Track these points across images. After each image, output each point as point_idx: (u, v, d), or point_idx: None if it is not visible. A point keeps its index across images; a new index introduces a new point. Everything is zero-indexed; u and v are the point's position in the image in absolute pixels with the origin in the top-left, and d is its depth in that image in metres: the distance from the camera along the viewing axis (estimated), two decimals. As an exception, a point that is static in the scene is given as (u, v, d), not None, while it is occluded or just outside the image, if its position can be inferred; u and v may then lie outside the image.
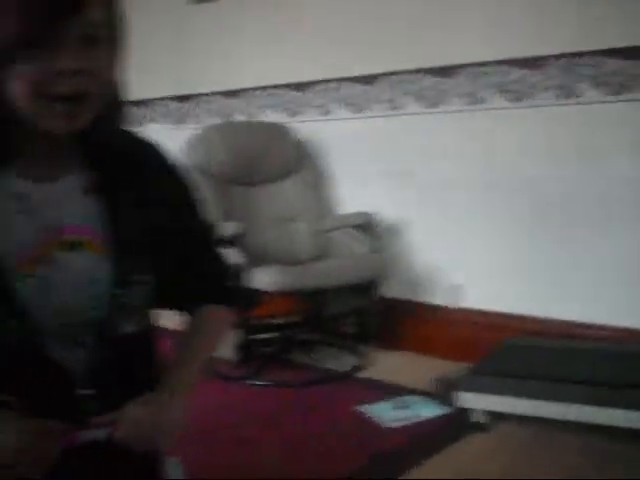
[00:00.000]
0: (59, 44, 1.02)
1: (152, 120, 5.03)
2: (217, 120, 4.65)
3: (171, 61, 4.84)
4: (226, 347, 3.46)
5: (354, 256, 3.78)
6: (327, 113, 4.17)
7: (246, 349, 3.51)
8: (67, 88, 1.04)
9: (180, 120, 4.90)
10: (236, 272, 3.18)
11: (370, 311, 3.70)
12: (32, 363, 1.11)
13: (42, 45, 1.01)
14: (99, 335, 1.17)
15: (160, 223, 1.25)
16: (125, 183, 1.22)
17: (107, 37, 1.09)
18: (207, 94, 4.73)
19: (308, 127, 4.21)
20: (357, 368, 3.57)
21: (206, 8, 4.63)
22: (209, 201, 3.63)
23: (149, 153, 1.30)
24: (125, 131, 1.27)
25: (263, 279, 3.31)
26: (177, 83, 4.88)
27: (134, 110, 4.96)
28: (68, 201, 1.17)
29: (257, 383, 3.41)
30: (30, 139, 1.13)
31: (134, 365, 1.23)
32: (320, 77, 4.16)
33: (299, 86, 4.27)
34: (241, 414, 3.04)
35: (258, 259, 3.47)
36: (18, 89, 1.03)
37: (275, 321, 3.77)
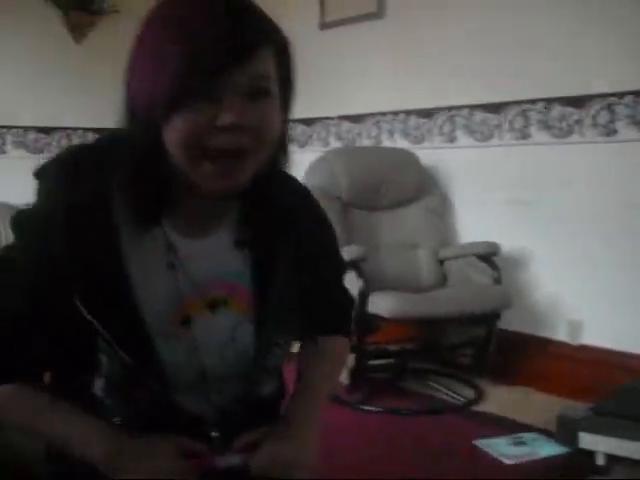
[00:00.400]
0: (222, 96, 0.96)
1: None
2: (342, 144, 4.69)
3: (299, 84, 4.90)
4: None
5: (475, 286, 3.72)
6: (452, 140, 4.14)
7: (360, 374, 3.49)
8: (224, 143, 0.96)
9: (305, 143, 4.96)
10: (356, 298, 3.19)
11: (488, 343, 3.62)
12: (163, 412, 1.08)
13: (204, 96, 0.95)
14: (235, 396, 1.14)
15: (310, 277, 1.21)
16: (279, 237, 1.16)
17: (275, 89, 1.02)
18: (333, 118, 4.78)
19: (433, 154, 4.19)
20: (472, 401, 3.51)
21: (337, 33, 4.69)
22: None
23: (302, 203, 1.24)
24: (280, 179, 1.18)
25: (381, 305, 3.30)
26: (304, 106, 4.93)
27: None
28: (217, 256, 1.12)
29: (369, 409, 3.39)
30: (187, 194, 1.06)
31: (266, 412, 1.20)
32: (446, 104, 4.14)
33: (425, 112, 4.26)
34: (352, 439, 3.03)
35: (377, 284, 3.46)
36: (173, 141, 0.97)
37: (390, 347, 3.75)
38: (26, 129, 5.12)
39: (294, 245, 1.17)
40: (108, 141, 1.09)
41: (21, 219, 1.07)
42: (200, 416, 1.11)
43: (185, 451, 1.04)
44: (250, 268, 1.14)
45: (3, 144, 5.06)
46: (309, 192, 1.29)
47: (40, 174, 1.07)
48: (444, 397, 3.57)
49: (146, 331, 1.04)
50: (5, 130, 5.06)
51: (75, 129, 5.28)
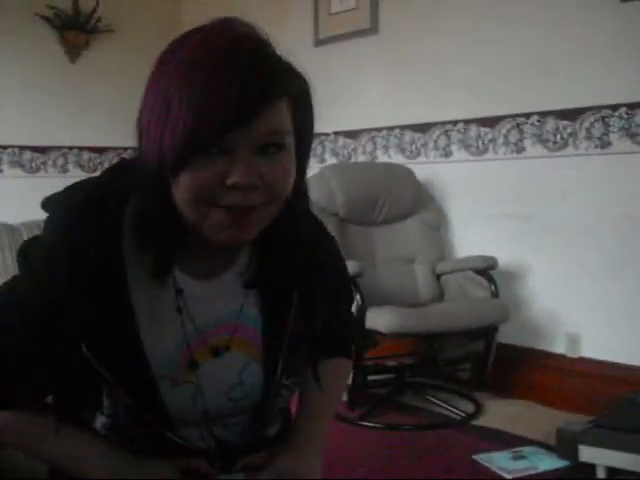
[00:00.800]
0: (233, 150, 0.92)
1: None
2: (337, 160, 4.71)
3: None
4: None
5: (472, 300, 3.71)
6: (448, 155, 4.15)
7: (359, 390, 3.49)
8: (234, 200, 0.93)
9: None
10: (355, 315, 3.18)
11: (486, 357, 3.62)
12: (165, 447, 1.06)
13: (213, 152, 0.92)
14: (241, 434, 1.13)
15: (320, 314, 1.18)
16: (290, 277, 1.12)
17: (289, 141, 0.97)
18: (328, 134, 4.79)
19: (428, 168, 4.20)
20: (471, 415, 3.49)
21: (331, 49, 4.71)
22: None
23: (317, 238, 1.19)
24: (296, 219, 1.11)
25: (379, 321, 3.29)
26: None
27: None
28: (225, 297, 1.09)
29: (369, 424, 3.38)
30: (197, 240, 1.02)
31: (269, 442, 1.19)
32: (441, 119, 4.15)
33: (420, 127, 4.27)
34: (352, 455, 3.02)
35: (374, 300, 3.46)
36: (182, 196, 0.94)
37: (389, 363, 3.75)
38: (22, 148, 5.12)
39: (307, 282, 1.14)
40: (117, 174, 1.06)
41: (27, 251, 1.03)
42: (204, 449, 1.10)
43: (187, 469, 1.05)
44: (260, 310, 1.12)
45: (-1, 164, 5.07)
46: (323, 226, 1.25)
47: (48, 206, 1.04)
48: (443, 412, 3.55)
49: (151, 376, 1.01)
50: (1, 150, 5.07)
51: (71, 148, 5.28)
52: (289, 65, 0.98)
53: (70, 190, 1.05)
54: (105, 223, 0.99)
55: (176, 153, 0.91)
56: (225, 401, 1.09)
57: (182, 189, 0.93)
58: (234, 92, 0.89)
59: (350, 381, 3.40)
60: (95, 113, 5.26)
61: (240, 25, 0.97)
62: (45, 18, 5.13)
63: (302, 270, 1.11)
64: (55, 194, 1.05)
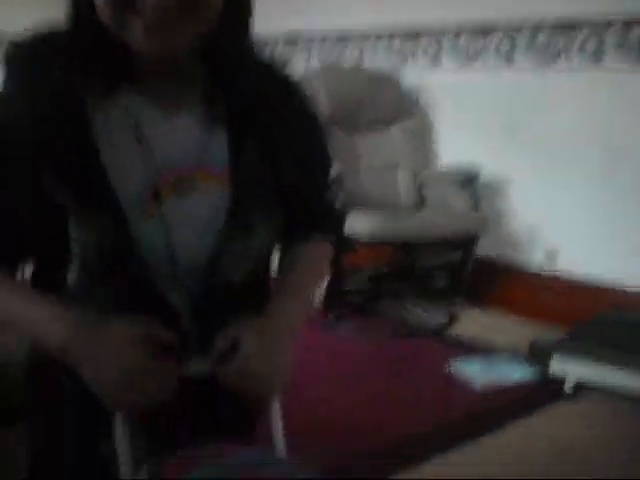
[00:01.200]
0: None
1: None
2: (324, 63, 4.59)
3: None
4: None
5: (452, 210, 3.69)
6: (436, 63, 4.05)
7: (334, 296, 3.48)
8: (147, 4, 0.88)
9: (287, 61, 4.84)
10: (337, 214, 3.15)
11: (463, 268, 3.62)
12: (138, 300, 1.01)
13: None
14: (204, 280, 1.06)
15: (285, 155, 1.11)
16: (251, 113, 1.07)
17: None
18: (315, 33, 4.65)
19: (415, 76, 4.11)
20: (446, 324, 3.52)
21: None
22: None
23: (277, 78, 1.15)
24: (250, 52, 1.10)
25: (359, 225, 3.27)
26: (285, 19, 4.81)
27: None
28: (186, 137, 1.05)
29: (342, 331, 3.39)
30: (145, 72, 1.00)
31: (242, 310, 1.06)
32: (432, 25, 4.04)
33: (410, 34, 4.16)
34: (323, 360, 3.03)
35: (355, 205, 3.42)
36: (98, 4, 0.91)
37: (366, 271, 3.74)
38: None
39: (272, 129, 1.09)
40: (48, 30, 1.03)
41: None
42: (174, 306, 1.04)
43: (153, 338, 0.95)
44: (223, 146, 1.06)
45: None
46: (294, 80, 1.18)
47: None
48: (418, 321, 3.57)
49: (118, 205, 0.98)
50: None
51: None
52: None
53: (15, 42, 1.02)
54: (52, 64, 0.98)
55: None
56: (191, 240, 1.04)
57: None
58: None
59: (326, 286, 3.39)
60: None
61: None
62: None
63: (262, 115, 1.08)
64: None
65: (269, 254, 1.16)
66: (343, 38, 4.51)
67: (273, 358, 1.00)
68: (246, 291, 1.10)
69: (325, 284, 3.38)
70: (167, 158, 1.02)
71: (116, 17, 0.90)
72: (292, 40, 4.79)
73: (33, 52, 1.00)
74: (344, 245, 3.30)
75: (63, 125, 0.96)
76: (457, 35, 3.95)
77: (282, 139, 1.10)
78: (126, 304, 1.00)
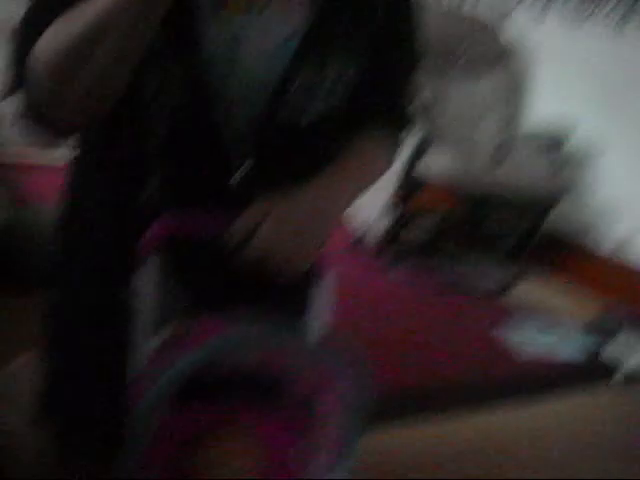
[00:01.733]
0: None
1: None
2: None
3: None
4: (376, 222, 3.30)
5: (532, 173, 3.52)
6: (542, 17, 3.84)
7: (394, 235, 3.33)
8: None
9: None
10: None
11: (532, 233, 3.45)
12: (196, 127, 0.94)
13: None
14: (267, 116, 0.97)
15: (373, 26, 1.02)
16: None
17: None
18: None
19: (518, 28, 3.90)
20: (505, 288, 3.37)
21: None
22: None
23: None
24: None
25: (435, 164, 3.13)
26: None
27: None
28: None
29: (396, 275, 3.25)
30: None
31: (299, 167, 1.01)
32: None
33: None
34: (369, 298, 2.93)
35: (433, 145, 3.28)
36: None
37: (431, 217, 3.58)
38: None
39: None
40: None
41: None
42: (227, 137, 0.95)
43: None
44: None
45: None
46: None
47: None
48: (476, 278, 3.41)
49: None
50: None
51: None
52: None
53: None
54: None
55: None
56: (256, 66, 0.95)
57: None
58: None
59: (385, 225, 3.25)
60: None
61: None
62: None
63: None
64: None
65: (342, 102, 1.03)
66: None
67: (292, 244, 0.94)
68: (309, 142, 1.02)
69: (383, 225, 3.25)
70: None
71: None
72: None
73: None
74: (412, 183, 3.17)
75: None
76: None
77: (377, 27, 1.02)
78: (181, 135, 0.94)
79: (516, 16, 3.97)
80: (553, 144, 3.50)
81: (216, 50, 0.92)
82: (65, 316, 1.06)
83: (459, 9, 4.20)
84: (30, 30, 0.87)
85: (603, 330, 2.74)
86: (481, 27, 3.86)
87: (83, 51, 0.82)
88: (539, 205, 3.39)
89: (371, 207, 3.29)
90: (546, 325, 2.94)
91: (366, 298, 2.92)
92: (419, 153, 3.13)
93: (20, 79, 0.88)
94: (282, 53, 0.95)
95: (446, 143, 3.56)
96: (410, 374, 2.41)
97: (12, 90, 0.90)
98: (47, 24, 0.85)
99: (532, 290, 3.42)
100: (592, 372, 2.66)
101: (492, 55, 3.82)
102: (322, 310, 1.01)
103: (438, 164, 3.14)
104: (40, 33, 0.85)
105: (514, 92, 3.86)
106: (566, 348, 2.76)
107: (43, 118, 0.88)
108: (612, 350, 2.63)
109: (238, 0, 0.94)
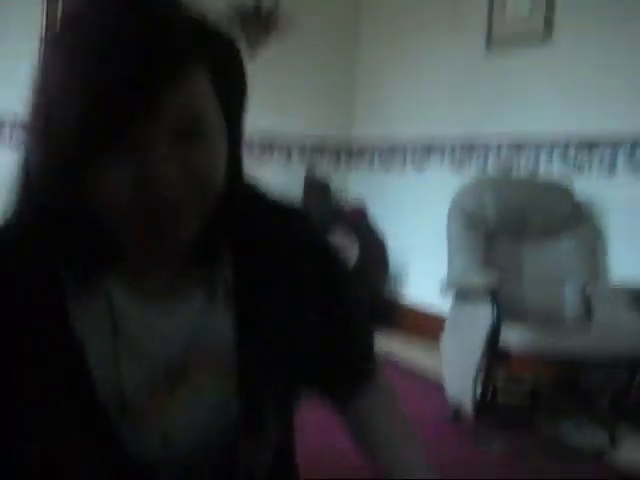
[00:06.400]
0: (140, 151, 0.75)
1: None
2: (497, 167, 4.57)
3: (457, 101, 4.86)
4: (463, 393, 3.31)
5: (622, 327, 3.47)
6: (612, 173, 3.90)
7: (486, 408, 3.33)
8: (152, 206, 0.76)
9: (462, 165, 4.86)
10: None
11: (628, 390, 3.37)
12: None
13: (116, 150, 0.74)
14: (220, 470, 0.92)
15: (310, 321, 0.97)
16: (267, 278, 0.93)
17: (212, 124, 0.79)
18: (492, 137, 4.64)
19: (589, 185, 3.96)
20: (606, 449, 3.26)
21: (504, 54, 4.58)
22: (465, 249, 3.63)
23: (294, 231, 0.99)
24: (263, 204, 0.97)
25: (515, 337, 3.16)
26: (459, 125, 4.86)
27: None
28: (183, 320, 0.89)
29: (495, 446, 3.21)
30: (127, 246, 0.86)
31: None
32: (608, 134, 3.91)
33: (586, 143, 4.05)
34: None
35: (513, 316, 3.31)
36: (104, 199, 0.77)
37: (521, 384, 3.57)
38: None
39: (286, 283, 0.95)
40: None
41: None
42: None
43: None
44: (233, 326, 0.91)
45: None
46: (303, 219, 1.02)
47: None
48: (576, 442, 3.32)
49: (107, 419, 0.85)
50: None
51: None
52: (203, 24, 0.81)
53: None
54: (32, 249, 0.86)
55: (62, 169, 0.77)
56: (195, 439, 0.90)
57: (93, 197, 0.77)
58: (128, 71, 0.72)
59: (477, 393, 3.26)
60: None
61: None
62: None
63: (278, 267, 0.95)
64: None
65: (289, 441, 1.04)
66: (518, 146, 4.46)
67: None
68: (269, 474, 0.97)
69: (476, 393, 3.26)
70: (160, 356, 0.88)
71: (117, 225, 0.80)
72: (468, 146, 4.80)
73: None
74: (496, 356, 3.19)
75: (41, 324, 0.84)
76: (634, 146, 3.80)
77: (306, 303, 0.97)
78: None
79: (588, 174, 4.05)
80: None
81: (136, 443, 0.87)
82: None
83: (531, 175, 4.32)
84: None
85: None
86: (555, 189, 3.95)
87: None
88: (633, 360, 3.32)
89: (460, 380, 3.32)
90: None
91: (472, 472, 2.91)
92: (498, 325, 3.16)
93: None
94: (214, 429, 0.90)
95: (526, 310, 3.59)
96: None
97: None
98: None
99: (636, 449, 3.30)
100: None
101: (569, 215, 3.87)
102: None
103: (520, 335, 3.17)
104: None
105: (595, 248, 3.88)
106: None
107: None
108: None
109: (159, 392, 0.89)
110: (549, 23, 4.25)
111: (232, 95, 0.83)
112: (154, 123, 0.74)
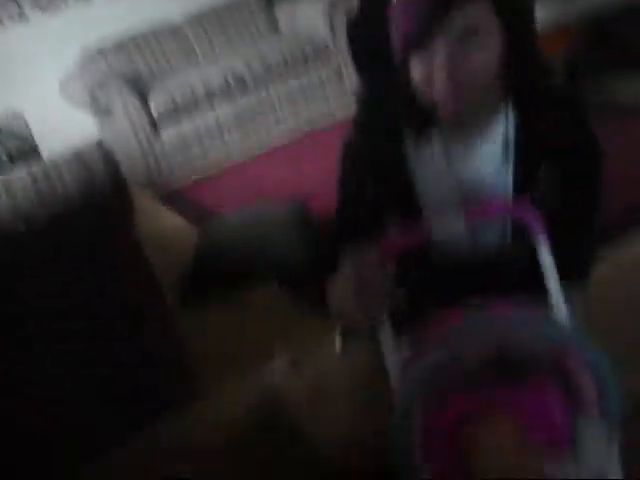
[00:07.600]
0: (436, 42, 1.16)
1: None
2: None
3: None
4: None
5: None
6: None
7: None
8: (442, 87, 1.18)
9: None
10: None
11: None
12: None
13: (424, 46, 1.17)
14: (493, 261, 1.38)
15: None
16: (540, 139, 1.30)
17: (492, 25, 1.18)
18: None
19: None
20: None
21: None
22: None
23: (565, 106, 1.34)
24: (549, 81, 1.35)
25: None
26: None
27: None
28: (490, 162, 1.32)
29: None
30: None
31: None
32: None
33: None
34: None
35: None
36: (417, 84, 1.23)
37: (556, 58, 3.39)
38: None
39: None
40: None
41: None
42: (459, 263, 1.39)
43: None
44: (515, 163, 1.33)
45: None
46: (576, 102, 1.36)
47: None
48: (622, 97, 3.22)
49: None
50: None
51: None
52: None
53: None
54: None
55: (400, 49, 1.24)
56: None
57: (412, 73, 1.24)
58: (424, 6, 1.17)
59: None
60: None
61: None
62: None
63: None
64: None
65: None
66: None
67: None
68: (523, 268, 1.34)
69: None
70: (471, 186, 1.33)
71: (425, 91, 1.23)
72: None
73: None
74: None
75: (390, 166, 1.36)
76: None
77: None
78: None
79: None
80: None
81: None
82: None
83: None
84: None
85: None
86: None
87: None
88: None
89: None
90: None
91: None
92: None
93: None
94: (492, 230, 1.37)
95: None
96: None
97: None
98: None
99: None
100: None
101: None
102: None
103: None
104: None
105: None
106: None
107: None
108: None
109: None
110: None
111: (512, 12, 1.21)
112: (442, 35, 1.16)
